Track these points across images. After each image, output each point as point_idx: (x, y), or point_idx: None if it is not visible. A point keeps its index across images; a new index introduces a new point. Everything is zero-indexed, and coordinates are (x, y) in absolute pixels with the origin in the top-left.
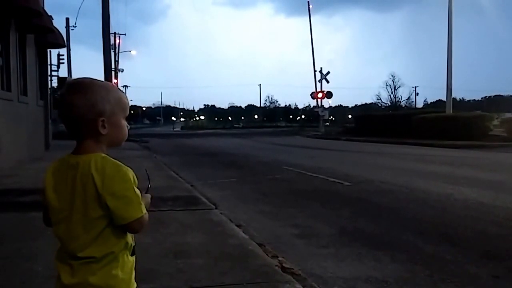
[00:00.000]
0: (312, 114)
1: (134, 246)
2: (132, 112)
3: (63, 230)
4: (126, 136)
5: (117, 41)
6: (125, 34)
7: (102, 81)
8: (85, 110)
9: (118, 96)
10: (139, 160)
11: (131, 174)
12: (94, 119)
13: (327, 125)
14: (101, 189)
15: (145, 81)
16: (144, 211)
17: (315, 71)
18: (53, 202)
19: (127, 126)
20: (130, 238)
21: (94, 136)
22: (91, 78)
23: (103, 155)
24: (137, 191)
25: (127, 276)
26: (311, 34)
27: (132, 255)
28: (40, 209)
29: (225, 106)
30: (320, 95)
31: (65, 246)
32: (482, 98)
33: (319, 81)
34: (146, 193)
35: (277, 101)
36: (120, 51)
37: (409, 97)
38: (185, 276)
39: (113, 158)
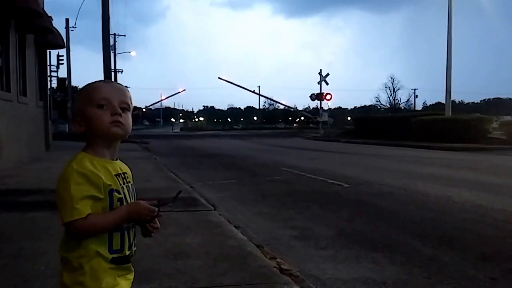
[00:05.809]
0: (311, 116)
1: (129, 256)
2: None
3: None
4: (108, 125)
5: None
6: (124, 35)
7: (89, 83)
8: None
9: (86, 90)
10: (139, 161)
11: (75, 173)
12: (71, 119)
13: (326, 127)
14: None
15: (144, 82)
16: (79, 216)
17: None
18: None
19: (119, 115)
20: (102, 247)
21: (84, 135)
22: (95, 82)
23: (84, 153)
24: (78, 192)
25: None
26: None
27: (119, 263)
28: (40, 209)
29: (224, 107)
30: (319, 97)
31: None
32: (481, 100)
33: (318, 83)
34: (172, 202)
35: (276, 103)
36: (119, 52)
37: (408, 99)
38: (184, 276)
39: None
